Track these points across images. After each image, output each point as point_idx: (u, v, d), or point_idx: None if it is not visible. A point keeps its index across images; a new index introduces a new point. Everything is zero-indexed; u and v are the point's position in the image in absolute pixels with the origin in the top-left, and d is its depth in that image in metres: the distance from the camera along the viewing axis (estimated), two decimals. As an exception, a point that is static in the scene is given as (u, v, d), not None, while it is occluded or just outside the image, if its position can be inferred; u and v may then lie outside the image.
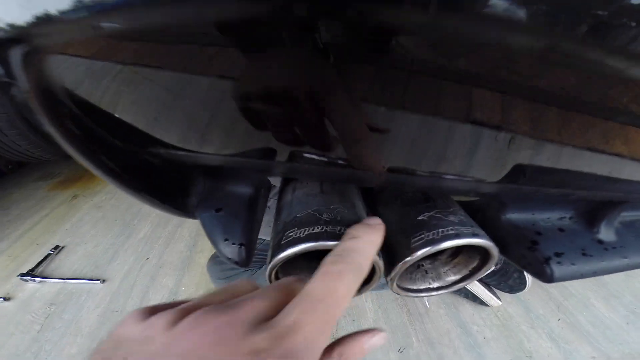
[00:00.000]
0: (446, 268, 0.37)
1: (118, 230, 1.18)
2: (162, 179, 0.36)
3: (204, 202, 0.38)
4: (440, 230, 0.29)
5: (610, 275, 0.76)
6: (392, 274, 0.29)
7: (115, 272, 1.00)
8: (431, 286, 0.37)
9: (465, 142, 0.24)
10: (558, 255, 0.33)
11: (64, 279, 0.99)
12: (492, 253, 0.30)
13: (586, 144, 0.24)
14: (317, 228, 0.30)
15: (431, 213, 0.32)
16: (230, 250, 0.35)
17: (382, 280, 0.49)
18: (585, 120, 0.23)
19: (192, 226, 1.16)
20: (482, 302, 0.76)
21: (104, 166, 0.29)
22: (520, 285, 0.75)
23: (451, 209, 0.32)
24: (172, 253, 1.05)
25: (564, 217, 0.38)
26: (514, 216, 0.37)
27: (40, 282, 0.99)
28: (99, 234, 1.18)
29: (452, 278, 0.36)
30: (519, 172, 0.27)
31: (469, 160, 0.27)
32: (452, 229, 0.29)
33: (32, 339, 0.83)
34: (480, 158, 0.26)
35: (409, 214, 0.32)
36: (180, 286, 0.93)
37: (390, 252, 0.30)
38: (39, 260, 1.07)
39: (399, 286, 0.34)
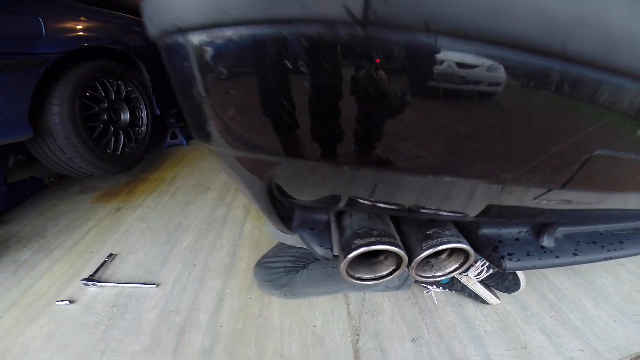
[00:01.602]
0: (444, 263, 0.55)
1: (163, 240, 1.23)
2: (285, 211, 0.46)
3: (302, 224, 0.49)
4: (439, 239, 0.48)
5: (602, 278, 0.83)
6: (412, 264, 0.48)
7: (167, 277, 1.05)
8: (436, 274, 0.55)
9: (458, 195, 0.40)
10: (509, 254, 0.51)
11: (122, 284, 1.03)
12: (470, 253, 0.49)
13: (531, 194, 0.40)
14: (372, 238, 0.47)
15: (434, 229, 0.50)
16: (323, 252, 0.52)
17: (398, 282, 0.61)
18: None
19: (230, 236, 1.21)
20: (483, 301, 0.83)
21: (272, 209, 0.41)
22: (515, 286, 0.82)
23: (447, 227, 0.50)
24: (215, 260, 1.10)
25: (521, 231, 0.56)
26: (486, 231, 0.54)
27: (100, 286, 1.04)
28: (147, 244, 1.22)
29: (448, 269, 0.54)
30: (489, 209, 0.43)
31: (458, 205, 0.43)
32: (446, 238, 0.47)
33: (98, 338, 0.87)
34: (464, 204, 0.42)
35: (420, 230, 0.50)
36: (225, 289, 0.98)
37: (410, 252, 0.48)
38: (97, 266, 1.11)
39: (416, 273, 0.51)
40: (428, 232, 0.49)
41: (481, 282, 0.81)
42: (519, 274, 0.82)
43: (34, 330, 0.90)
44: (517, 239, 0.55)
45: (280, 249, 0.94)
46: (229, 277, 1.02)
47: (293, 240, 0.82)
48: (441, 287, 0.86)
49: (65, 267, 1.15)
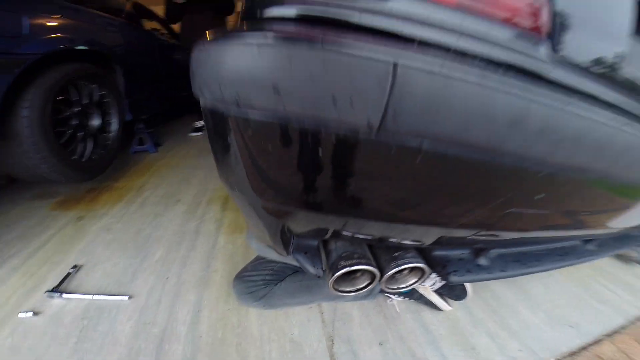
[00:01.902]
0: (406, 277, 0.69)
1: (133, 252, 1.21)
2: (286, 239, 0.56)
3: (297, 249, 0.58)
4: (403, 260, 0.61)
5: (535, 287, 1.01)
6: (383, 279, 0.62)
7: (139, 289, 1.04)
8: (399, 286, 0.69)
9: (417, 232, 0.56)
10: (454, 271, 0.66)
11: (91, 295, 1.00)
12: (426, 270, 0.65)
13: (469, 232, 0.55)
14: (353, 260, 0.60)
15: (399, 253, 0.63)
16: (315, 271, 0.64)
17: (366, 293, 0.75)
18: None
19: (203, 250, 1.23)
20: (437, 308, 0.96)
21: (279, 239, 0.52)
22: (463, 294, 0.97)
23: (408, 251, 0.64)
24: (190, 273, 1.11)
25: (463, 253, 0.70)
26: (437, 253, 0.68)
27: (66, 298, 1.00)
28: (115, 255, 1.19)
29: (409, 282, 0.69)
30: (440, 240, 0.58)
31: (417, 237, 0.58)
32: (408, 260, 0.62)
33: (71, 350, 0.85)
34: (422, 236, 0.58)
35: (389, 253, 0.64)
36: (202, 300, 1.00)
37: (382, 270, 0.62)
38: (61, 278, 1.06)
39: (386, 286, 0.65)
40: (395, 255, 0.62)
41: (435, 291, 0.95)
42: (466, 284, 0.97)
43: (-4, 342, 0.87)
44: (460, 259, 0.69)
45: (259, 264, 1.00)
46: (205, 289, 1.05)
47: (274, 255, 0.89)
48: (402, 296, 0.98)
49: (23, 278, 1.09)
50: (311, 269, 0.60)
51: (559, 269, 1.08)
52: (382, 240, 0.59)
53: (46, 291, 1.01)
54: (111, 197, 1.61)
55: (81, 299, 1.00)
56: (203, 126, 2.86)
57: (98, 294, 1.01)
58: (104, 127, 1.72)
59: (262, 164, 0.41)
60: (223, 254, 1.21)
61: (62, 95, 1.43)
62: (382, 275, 0.61)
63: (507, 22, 0.39)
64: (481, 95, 0.35)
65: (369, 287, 0.64)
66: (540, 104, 0.37)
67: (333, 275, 0.57)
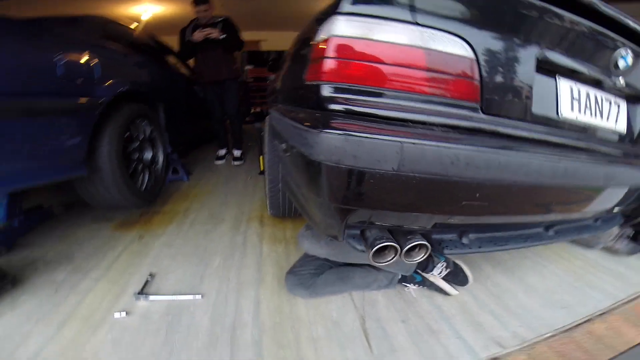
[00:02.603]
0: (416, 252, 0.82)
1: (196, 262, 1.34)
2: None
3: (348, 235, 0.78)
4: (414, 240, 0.78)
5: (530, 276, 1.31)
6: (402, 252, 0.78)
7: (208, 289, 1.17)
8: (413, 259, 0.82)
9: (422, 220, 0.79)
10: (447, 247, 0.88)
11: (170, 296, 1.16)
12: (429, 247, 0.80)
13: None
14: (384, 240, 0.79)
15: (411, 235, 0.80)
16: (361, 248, 0.83)
17: (387, 282, 0.97)
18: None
19: (252, 258, 1.38)
20: (446, 293, 1.15)
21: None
22: (465, 280, 1.16)
23: (416, 234, 0.80)
24: (246, 275, 1.25)
25: (452, 236, 0.91)
26: (435, 236, 0.89)
27: (151, 300, 1.12)
28: (181, 265, 1.32)
29: (419, 257, 0.82)
30: (435, 225, 0.80)
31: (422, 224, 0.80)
32: (417, 239, 0.78)
33: (163, 341, 0.96)
34: (424, 223, 0.81)
35: (405, 235, 0.81)
36: (260, 295, 1.14)
37: (401, 246, 0.78)
38: (143, 283, 1.19)
39: (404, 258, 0.79)
40: (408, 237, 0.80)
41: (443, 278, 1.15)
42: (466, 271, 1.16)
43: (99, 338, 0.96)
44: (450, 240, 0.90)
45: (305, 261, 1.18)
46: (260, 286, 1.19)
47: (322, 253, 1.10)
48: (417, 285, 1.18)
49: (108, 285, 1.20)
50: (358, 247, 0.80)
51: (554, 261, 1.29)
52: (399, 226, 0.81)
53: (134, 294, 1.13)
54: (163, 219, 1.74)
55: (163, 300, 1.11)
56: (226, 154, 3.06)
57: (176, 295, 1.13)
58: (153, 160, 1.89)
59: (341, 184, 0.64)
60: (269, 260, 1.37)
61: (127, 132, 1.60)
62: (401, 250, 0.79)
63: (457, 99, 0.69)
64: (444, 149, 0.61)
65: (394, 258, 0.81)
66: (479, 147, 0.63)
67: (372, 250, 0.76)
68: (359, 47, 0.68)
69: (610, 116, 0.96)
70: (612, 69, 0.89)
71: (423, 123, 0.65)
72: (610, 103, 0.95)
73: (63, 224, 1.70)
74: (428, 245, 0.79)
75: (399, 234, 0.81)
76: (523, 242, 0.93)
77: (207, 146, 3.65)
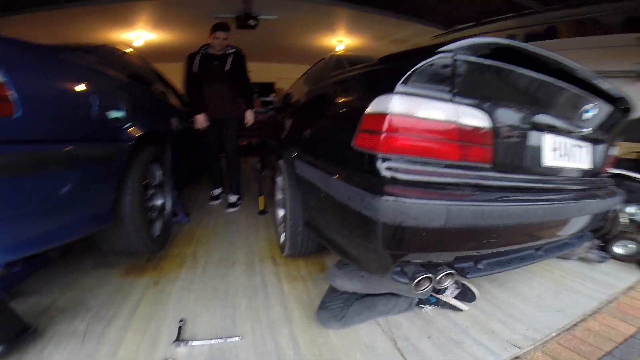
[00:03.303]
0: (444, 279, 1.05)
1: (221, 304, 1.42)
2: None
3: (393, 272, 0.98)
4: (443, 270, 1.03)
5: (523, 289, 1.56)
6: (434, 281, 1.02)
7: (243, 330, 1.26)
8: (443, 285, 1.07)
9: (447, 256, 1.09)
10: (468, 273, 1.09)
11: (209, 340, 1.22)
12: (454, 274, 1.05)
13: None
14: (421, 272, 1.01)
15: (440, 267, 1.04)
16: (404, 281, 1.03)
17: (406, 306, 1.20)
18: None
19: (275, 297, 1.50)
20: (457, 309, 1.37)
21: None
22: (473, 297, 1.41)
23: (443, 266, 1.04)
24: (274, 314, 1.37)
25: (470, 264, 1.14)
26: (457, 265, 1.10)
27: (190, 345, 1.18)
28: (207, 309, 1.39)
29: (447, 282, 1.07)
30: (456, 258, 1.06)
31: (446, 258, 1.07)
32: (446, 269, 1.03)
33: None
34: (448, 258, 1.08)
35: (435, 267, 1.04)
36: (294, 331, 1.26)
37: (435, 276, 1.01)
38: (175, 330, 1.24)
39: (437, 284, 1.05)
40: (438, 268, 1.02)
41: (454, 297, 1.40)
42: (473, 289, 1.41)
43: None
44: (469, 267, 1.12)
45: (333, 296, 1.33)
46: (291, 323, 1.30)
47: (351, 288, 1.27)
48: (431, 305, 1.40)
49: (138, 334, 1.23)
50: (402, 280, 0.99)
51: (538, 274, 1.57)
52: (429, 261, 1.04)
53: (173, 342, 1.17)
54: (173, 264, 1.78)
55: (202, 344, 1.17)
56: (221, 193, 3.00)
57: (214, 339, 1.20)
58: (164, 205, 1.90)
59: (398, 237, 0.85)
60: (292, 298, 1.49)
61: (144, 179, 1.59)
62: (435, 279, 1.01)
63: (477, 162, 0.96)
64: (475, 207, 0.87)
65: (429, 287, 1.02)
66: (495, 202, 0.91)
67: (413, 282, 0.97)
68: (409, 123, 0.90)
69: (579, 158, 1.32)
70: (579, 121, 1.22)
71: (456, 185, 0.92)
72: (578, 147, 1.31)
73: (62, 271, 1.67)
74: (454, 272, 1.02)
75: (430, 267, 1.04)
76: (521, 262, 1.22)
77: (197, 182, 3.66)
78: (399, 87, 0.89)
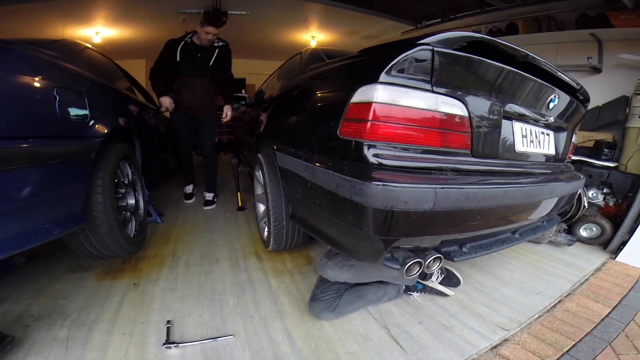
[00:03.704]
0: (433, 263, 1.12)
1: (209, 304, 1.41)
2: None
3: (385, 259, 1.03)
4: (432, 254, 1.09)
5: (503, 273, 1.72)
6: (424, 265, 1.08)
7: (235, 328, 1.27)
8: (431, 268, 1.14)
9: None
10: (454, 256, 1.18)
11: (200, 341, 1.20)
12: (442, 258, 1.13)
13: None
14: (412, 258, 1.08)
15: (429, 252, 1.11)
16: (395, 267, 1.09)
17: (395, 293, 1.28)
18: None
19: (264, 292, 1.52)
20: (444, 294, 1.47)
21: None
22: (457, 282, 1.52)
23: (432, 250, 1.11)
24: (265, 309, 1.38)
25: (456, 247, 1.22)
26: (443, 249, 1.17)
27: (182, 347, 1.16)
28: (194, 308, 1.37)
29: (436, 266, 1.14)
30: (442, 242, 1.14)
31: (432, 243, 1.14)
32: (434, 253, 1.10)
33: None
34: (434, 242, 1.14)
35: (424, 252, 1.11)
36: (287, 325, 1.29)
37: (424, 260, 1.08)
38: (163, 332, 1.22)
39: (426, 269, 1.11)
40: (427, 253, 1.09)
41: (440, 283, 1.48)
42: (457, 274, 1.52)
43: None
44: (455, 250, 1.20)
45: (324, 287, 1.36)
46: (284, 317, 1.33)
47: (342, 277, 1.31)
48: (419, 292, 1.48)
49: (125, 337, 1.20)
50: (394, 266, 1.04)
51: (514, 258, 1.70)
52: (416, 247, 1.10)
53: (163, 344, 1.16)
54: (152, 264, 1.72)
55: (194, 345, 1.17)
56: (194, 190, 2.89)
57: (206, 339, 1.19)
58: (137, 204, 1.82)
59: (389, 221, 0.89)
60: (281, 291, 1.52)
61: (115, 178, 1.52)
62: (425, 263, 1.07)
63: (457, 148, 1.03)
64: (460, 189, 0.94)
65: (419, 271, 1.08)
66: (477, 185, 0.99)
67: (405, 267, 1.03)
68: (394, 111, 0.95)
69: (545, 144, 1.45)
70: (545, 110, 1.34)
71: (440, 169, 0.99)
72: (544, 134, 1.44)
73: (31, 276, 1.58)
74: (442, 256, 1.09)
75: (418, 252, 1.10)
76: (502, 245, 1.33)
77: (171, 182, 3.52)
78: (383, 76, 0.93)
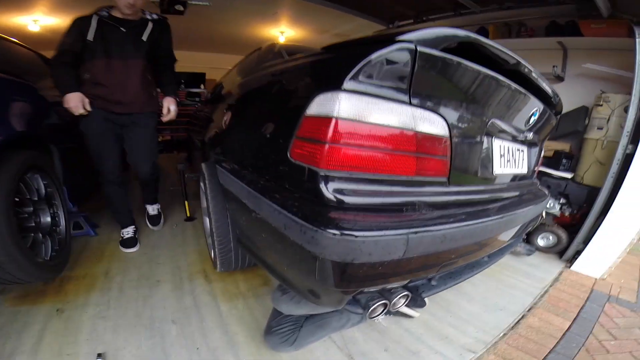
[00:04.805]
0: (400, 300, 1.11)
1: (148, 334, 1.31)
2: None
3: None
4: (399, 293, 1.08)
5: (468, 288, 1.69)
6: (390, 306, 1.07)
7: None
8: (398, 306, 1.12)
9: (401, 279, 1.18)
10: (422, 291, 1.24)
11: None
12: (409, 295, 1.11)
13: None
14: (375, 300, 1.08)
15: (395, 291, 1.09)
16: (358, 311, 1.16)
17: (359, 319, 1.24)
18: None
19: (213, 319, 1.44)
20: (409, 316, 1.50)
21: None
22: (423, 303, 1.52)
23: (399, 289, 1.10)
24: (214, 340, 1.32)
25: (423, 282, 1.26)
26: (410, 284, 1.18)
27: None
28: (129, 340, 1.27)
29: (401, 303, 1.12)
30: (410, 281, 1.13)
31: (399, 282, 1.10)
32: (401, 291, 1.09)
33: None
34: (401, 282, 1.11)
35: (390, 291, 1.09)
36: (240, 358, 1.24)
37: (390, 300, 1.06)
38: None
39: (392, 309, 1.10)
40: (392, 292, 1.09)
41: (406, 305, 1.48)
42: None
43: None
44: (423, 284, 1.23)
45: (280, 319, 1.31)
46: (237, 349, 1.28)
47: (300, 312, 1.25)
48: (383, 315, 1.47)
49: None
50: (358, 311, 1.02)
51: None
52: (382, 287, 1.06)
53: None
54: (79, 286, 1.58)
55: None
56: (136, 233, 2.15)
57: None
58: (54, 222, 1.62)
59: (351, 274, 0.77)
60: (233, 319, 1.45)
61: (17, 195, 1.31)
62: (390, 303, 1.06)
63: (434, 177, 0.95)
64: (435, 232, 0.80)
65: (384, 311, 1.08)
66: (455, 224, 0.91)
67: (368, 310, 1.02)
68: (360, 130, 0.77)
69: (520, 163, 1.41)
70: (524, 125, 1.27)
71: (412, 205, 0.85)
72: (519, 151, 1.41)
73: None
74: (409, 294, 1.07)
75: (384, 292, 1.08)
76: (471, 272, 1.37)
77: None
78: (347, 83, 0.75)
